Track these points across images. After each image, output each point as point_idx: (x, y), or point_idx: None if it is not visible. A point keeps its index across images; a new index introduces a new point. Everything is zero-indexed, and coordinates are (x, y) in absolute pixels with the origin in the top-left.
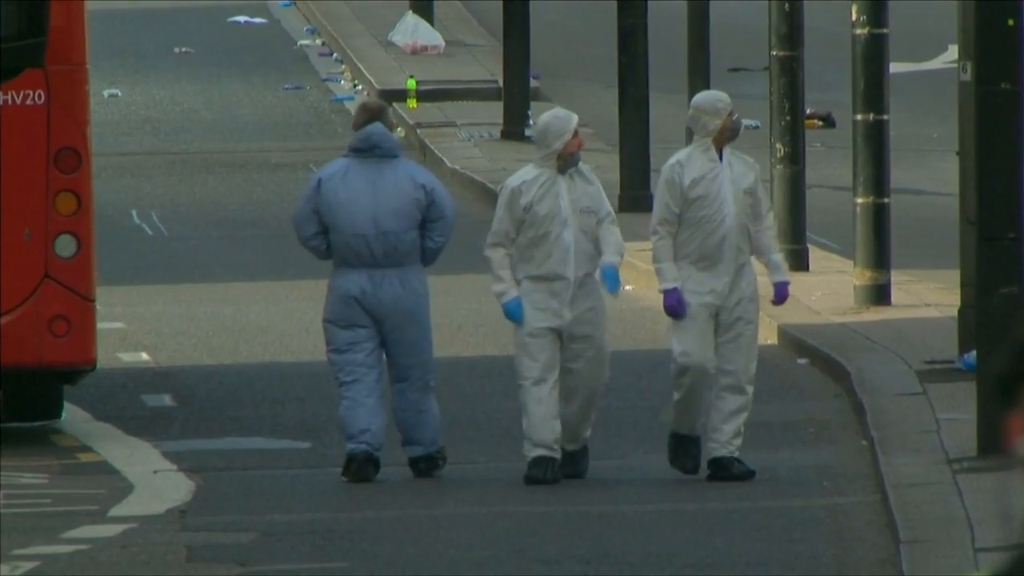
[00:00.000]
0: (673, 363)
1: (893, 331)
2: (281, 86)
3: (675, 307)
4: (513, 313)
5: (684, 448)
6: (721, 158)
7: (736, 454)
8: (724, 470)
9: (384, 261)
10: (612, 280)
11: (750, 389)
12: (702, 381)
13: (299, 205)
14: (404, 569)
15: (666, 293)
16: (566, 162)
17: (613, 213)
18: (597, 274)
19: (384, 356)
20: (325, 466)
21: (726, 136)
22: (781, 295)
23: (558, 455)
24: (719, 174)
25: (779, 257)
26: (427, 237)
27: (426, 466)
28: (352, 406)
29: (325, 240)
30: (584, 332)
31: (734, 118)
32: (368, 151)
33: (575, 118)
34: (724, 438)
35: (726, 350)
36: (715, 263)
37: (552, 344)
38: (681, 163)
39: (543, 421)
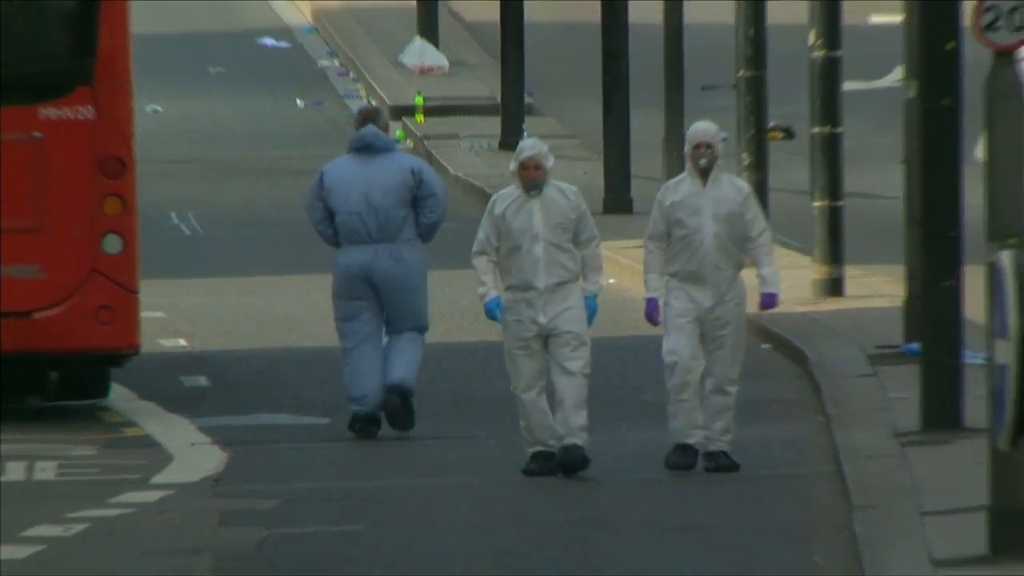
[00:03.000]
0: (665, 365)
1: (847, 320)
2: (303, 102)
3: (651, 314)
4: (491, 311)
5: (683, 451)
6: (706, 181)
7: (726, 448)
8: (714, 462)
9: (378, 236)
10: (591, 312)
11: (732, 390)
12: (688, 379)
13: (307, 193)
14: (412, 531)
15: (647, 300)
16: (525, 184)
17: (596, 234)
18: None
19: (383, 324)
20: (342, 440)
21: (697, 165)
22: (765, 304)
23: (554, 449)
24: (699, 199)
25: (770, 271)
26: (421, 213)
27: (397, 400)
28: (354, 372)
29: (331, 225)
30: (567, 328)
31: (702, 158)
32: (363, 149)
33: (530, 149)
34: (714, 434)
35: (710, 357)
36: (697, 279)
37: (537, 352)
38: (669, 186)
39: (538, 423)
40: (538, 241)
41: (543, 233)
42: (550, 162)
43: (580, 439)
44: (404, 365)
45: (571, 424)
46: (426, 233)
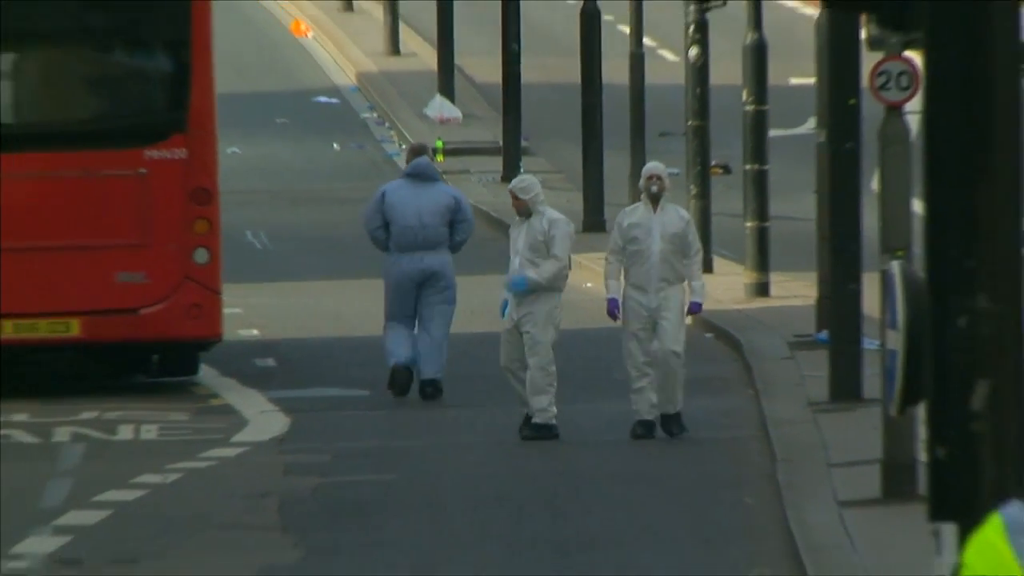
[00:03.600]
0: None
1: (772, 315)
2: (349, 145)
3: (612, 311)
4: (501, 310)
5: (644, 425)
6: (656, 208)
7: (677, 411)
8: (669, 427)
9: (423, 245)
10: (516, 283)
11: (678, 364)
12: (642, 371)
13: (368, 207)
14: (433, 480)
15: (608, 300)
16: (515, 209)
17: (559, 252)
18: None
19: (419, 311)
20: (379, 408)
21: (649, 192)
22: (692, 310)
23: (530, 415)
24: (650, 222)
25: (698, 284)
26: (455, 232)
27: (432, 390)
28: (391, 336)
29: (385, 232)
30: (526, 329)
31: (653, 186)
32: (416, 176)
33: (517, 183)
34: (667, 400)
35: (658, 335)
36: (645, 286)
37: (515, 340)
38: (626, 211)
39: (520, 395)
40: (518, 255)
41: (523, 251)
42: (528, 195)
43: (543, 417)
44: (435, 363)
45: (532, 405)
46: (456, 246)
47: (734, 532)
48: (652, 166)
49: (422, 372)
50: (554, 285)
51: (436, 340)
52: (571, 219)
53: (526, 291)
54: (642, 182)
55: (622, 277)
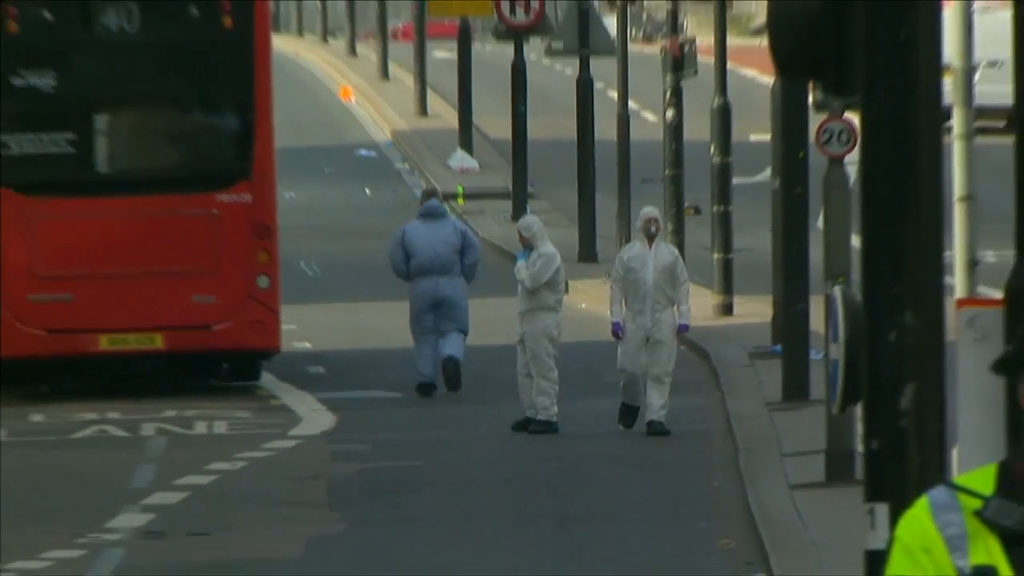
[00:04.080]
0: (619, 369)
1: (735, 329)
2: (384, 189)
3: (615, 331)
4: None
5: (628, 412)
6: (651, 246)
7: (663, 419)
8: (653, 428)
9: (439, 271)
10: (519, 256)
11: (667, 380)
12: (634, 378)
13: (391, 244)
14: (452, 465)
15: (612, 323)
16: (523, 245)
17: (538, 275)
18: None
19: (438, 328)
20: (410, 407)
21: (648, 232)
22: (680, 330)
23: (531, 415)
24: (646, 256)
25: (686, 308)
26: (464, 256)
27: (451, 370)
28: (420, 355)
29: (407, 264)
30: (528, 344)
31: (651, 227)
32: (428, 215)
33: (521, 223)
34: (654, 409)
35: (652, 357)
36: (641, 310)
37: (523, 351)
38: (626, 248)
39: (524, 397)
40: (520, 278)
41: (525, 277)
42: (529, 232)
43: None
44: (454, 346)
45: (535, 405)
46: (469, 270)
47: (703, 508)
48: (650, 210)
49: (443, 352)
50: (544, 301)
51: (455, 340)
52: (568, 251)
53: (521, 267)
54: (641, 223)
55: (623, 303)
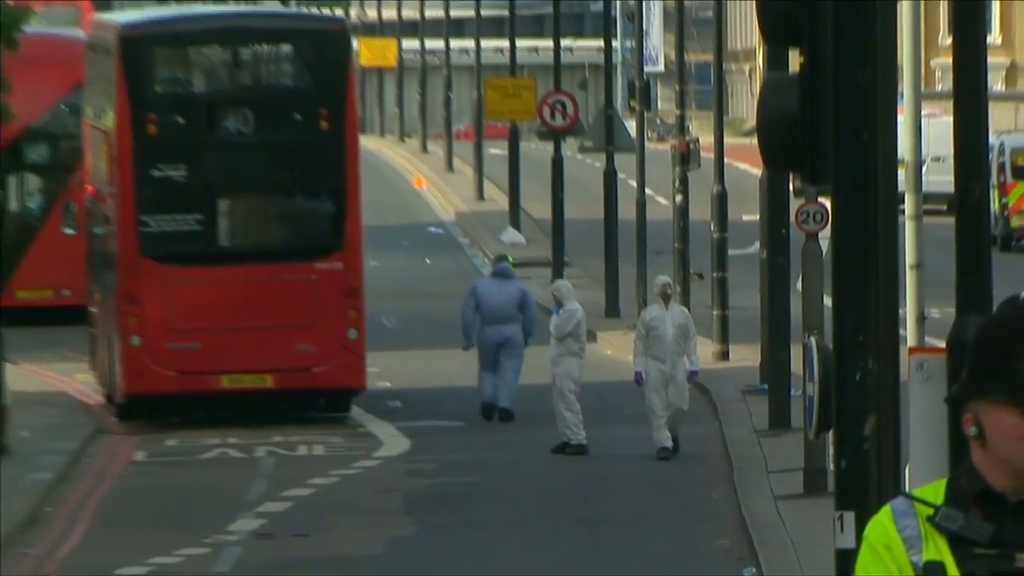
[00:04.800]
0: (647, 410)
1: (730, 371)
2: (449, 259)
3: (638, 379)
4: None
5: (663, 451)
6: (667, 307)
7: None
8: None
9: (502, 320)
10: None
11: (686, 408)
12: (660, 420)
13: (466, 298)
14: (502, 479)
15: (636, 372)
16: (555, 303)
17: (561, 325)
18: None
19: (500, 363)
20: (470, 434)
21: (664, 296)
22: (690, 377)
23: (566, 440)
24: (664, 316)
25: (696, 358)
26: (524, 312)
27: (505, 414)
28: (482, 384)
29: (476, 314)
30: (557, 384)
31: (667, 290)
32: (499, 275)
33: (553, 287)
34: (672, 436)
35: (672, 395)
36: (661, 359)
37: (554, 388)
38: (647, 310)
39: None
40: (550, 328)
41: (553, 328)
42: (558, 293)
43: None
44: (508, 398)
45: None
46: (529, 325)
47: (705, 515)
48: (665, 278)
49: (499, 401)
50: (569, 348)
51: (509, 383)
52: (596, 309)
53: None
54: (658, 288)
55: (645, 354)
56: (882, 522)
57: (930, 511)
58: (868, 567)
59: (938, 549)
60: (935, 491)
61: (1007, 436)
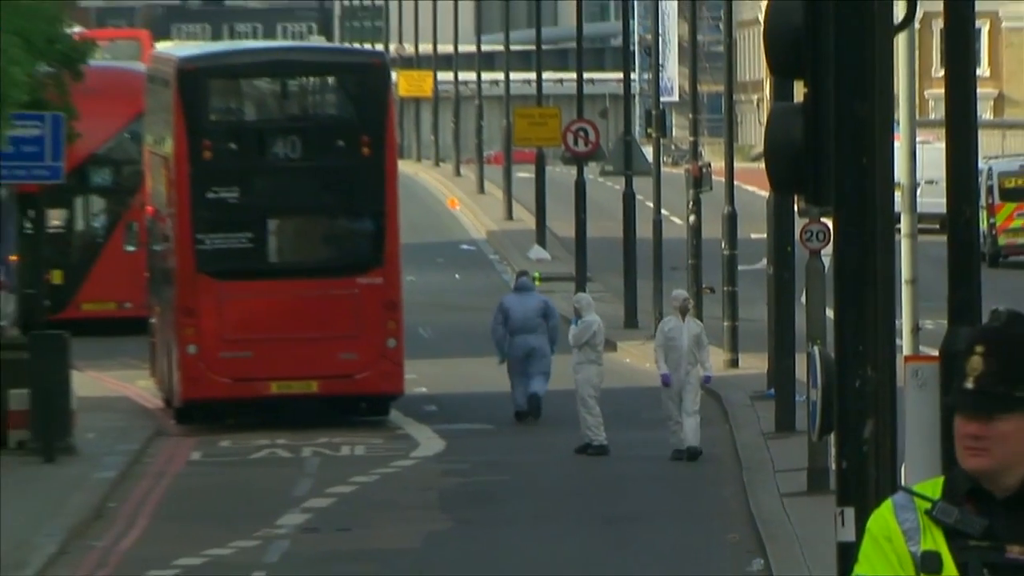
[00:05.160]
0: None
1: (739, 378)
2: (480, 275)
3: (666, 381)
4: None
5: (677, 452)
6: (684, 320)
7: (697, 443)
8: (692, 453)
9: (528, 330)
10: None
11: (697, 412)
12: (675, 419)
13: (495, 314)
14: (531, 477)
15: (662, 375)
16: (575, 314)
17: (576, 335)
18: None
19: (528, 371)
20: (500, 436)
21: (681, 310)
22: (705, 382)
23: (588, 442)
24: (681, 328)
25: (709, 365)
26: (548, 321)
27: (534, 403)
28: (513, 389)
29: (504, 328)
30: (577, 389)
31: (687, 304)
32: (521, 289)
33: (575, 299)
34: (690, 439)
35: (684, 399)
36: (678, 367)
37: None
38: (665, 322)
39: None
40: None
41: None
42: (579, 305)
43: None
44: (539, 385)
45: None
46: (553, 332)
47: (716, 511)
48: (682, 293)
49: (530, 389)
50: (587, 356)
51: (540, 381)
52: (616, 321)
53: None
54: (678, 303)
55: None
56: (884, 515)
57: (928, 506)
58: (870, 556)
59: (935, 541)
60: (933, 487)
61: (958, 442)
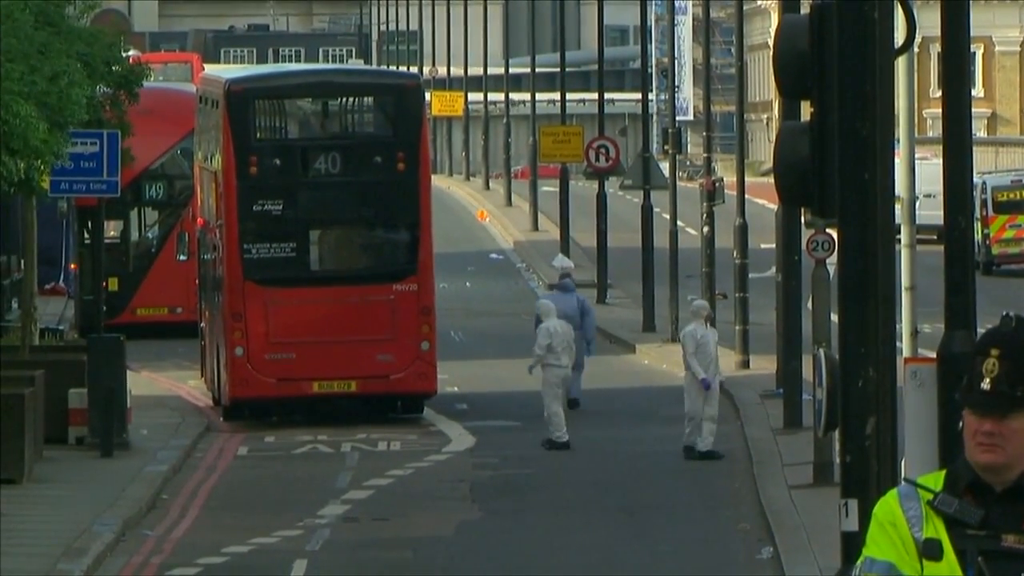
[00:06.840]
0: (686, 413)
1: (750, 378)
2: (507, 282)
3: (707, 383)
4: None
5: (688, 449)
6: (708, 326)
7: (711, 447)
8: (705, 454)
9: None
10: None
11: (713, 413)
12: (696, 419)
13: (535, 317)
14: (555, 472)
15: (702, 380)
16: None
17: (540, 340)
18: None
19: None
20: (527, 432)
21: (706, 318)
22: (704, 386)
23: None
24: (708, 334)
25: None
26: (584, 319)
27: (573, 403)
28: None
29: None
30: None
31: (711, 314)
32: (561, 288)
33: (537, 304)
34: (707, 440)
35: (706, 402)
36: (707, 371)
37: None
38: (694, 330)
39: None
40: None
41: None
42: (540, 311)
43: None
44: (577, 390)
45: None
46: (589, 331)
47: (728, 502)
48: (703, 303)
49: (570, 392)
50: (551, 360)
51: (576, 379)
52: (635, 325)
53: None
54: (706, 312)
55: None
56: (889, 503)
57: (930, 496)
58: (878, 539)
59: (936, 528)
60: (935, 480)
61: (967, 437)
